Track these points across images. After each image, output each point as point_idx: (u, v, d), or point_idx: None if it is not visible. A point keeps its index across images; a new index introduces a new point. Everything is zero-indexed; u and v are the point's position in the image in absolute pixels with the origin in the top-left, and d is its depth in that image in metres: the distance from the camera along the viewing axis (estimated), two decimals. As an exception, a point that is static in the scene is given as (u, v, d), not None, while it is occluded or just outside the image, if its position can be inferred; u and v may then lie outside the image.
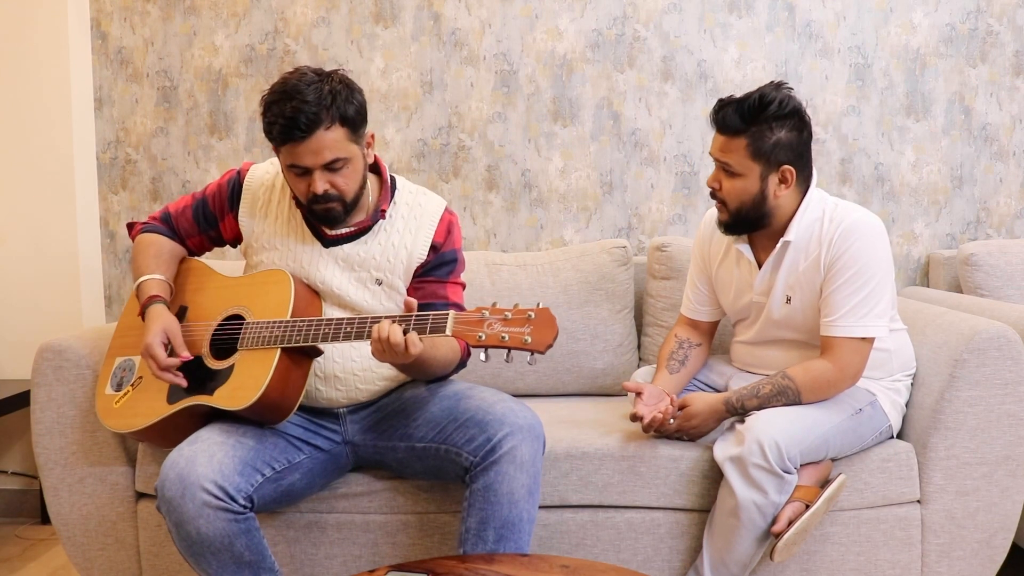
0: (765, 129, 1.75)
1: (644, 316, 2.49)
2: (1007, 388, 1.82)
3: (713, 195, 1.86)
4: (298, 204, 1.75)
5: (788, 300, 1.86)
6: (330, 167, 1.63)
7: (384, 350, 1.50)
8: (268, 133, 1.62)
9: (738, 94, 1.81)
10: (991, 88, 2.70)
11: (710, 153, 1.85)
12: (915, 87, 2.70)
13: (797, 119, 1.77)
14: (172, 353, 1.67)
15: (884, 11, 2.67)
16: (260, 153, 2.76)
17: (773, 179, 1.79)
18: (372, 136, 1.72)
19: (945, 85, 2.70)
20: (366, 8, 2.72)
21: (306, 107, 1.56)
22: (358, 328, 1.56)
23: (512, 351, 1.45)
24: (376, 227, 1.77)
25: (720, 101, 1.80)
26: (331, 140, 1.60)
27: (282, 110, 1.57)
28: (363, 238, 1.76)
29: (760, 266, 1.89)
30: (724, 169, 1.81)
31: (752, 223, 1.84)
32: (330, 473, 1.81)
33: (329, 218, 1.69)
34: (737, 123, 1.76)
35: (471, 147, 2.73)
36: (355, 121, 1.64)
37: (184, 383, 1.66)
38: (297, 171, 1.64)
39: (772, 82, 1.79)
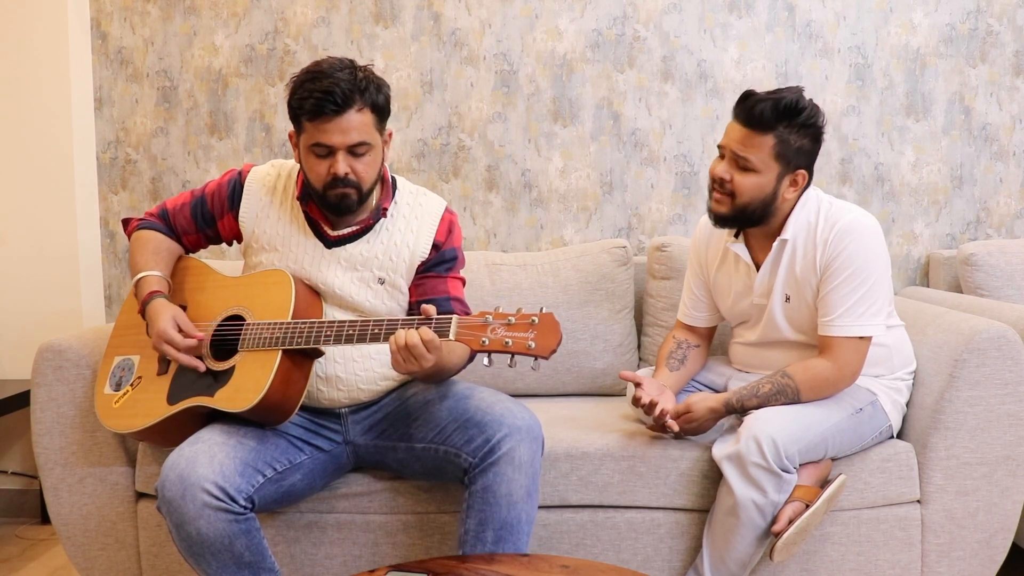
0: (793, 132, 1.74)
1: (644, 316, 2.49)
2: (1007, 388, 1.82)
3: (720, 186, 1.80)
4: (304, 198, 1.74)
5: (787, 299, 1.86)
6: (354, 150, 1.64)
7: (405, 359, 1.50)
8: (299, 109, 1.62)
9: (748, 91, 1.78)
10: (991, 88, 2.69)
11: (723, 144, 1.80)
12: (915, 87, 2.69)
13: (819, 130, 1.78)
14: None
15: (884, 11, 2.67)
16: (260, 153, 2.76)
17: (787, 181, 1.79)
18: (390, 134, 1.73)
19: (945, 85, 2.69)
20: (366, 8, 2.72)
21: (343, 84, 1.59)
22: (360, 331, 1.56)
23: (516, 356, 1.45)
24: (378, 226, 1.77)
25: (749, 94, 1.76)
26: (360, 122, 1.62)
27: (318, 86, 1.59)
28: (365, 237, 1.76)
29: (758, 268, 1.89)
30: (738, 163, 1.77)
31: (752, 220, 1.83)
32: (330, 473, 1.81)
33: (342, 206, 1.68)
34: (770, 119, 1.73)
35: (471, 147, 2.73)
36: (382, 111, 1.67)
37: (202, 367, 1.66)
38: (321, 151, 1.64)
39: (796, 87, 1.77)
